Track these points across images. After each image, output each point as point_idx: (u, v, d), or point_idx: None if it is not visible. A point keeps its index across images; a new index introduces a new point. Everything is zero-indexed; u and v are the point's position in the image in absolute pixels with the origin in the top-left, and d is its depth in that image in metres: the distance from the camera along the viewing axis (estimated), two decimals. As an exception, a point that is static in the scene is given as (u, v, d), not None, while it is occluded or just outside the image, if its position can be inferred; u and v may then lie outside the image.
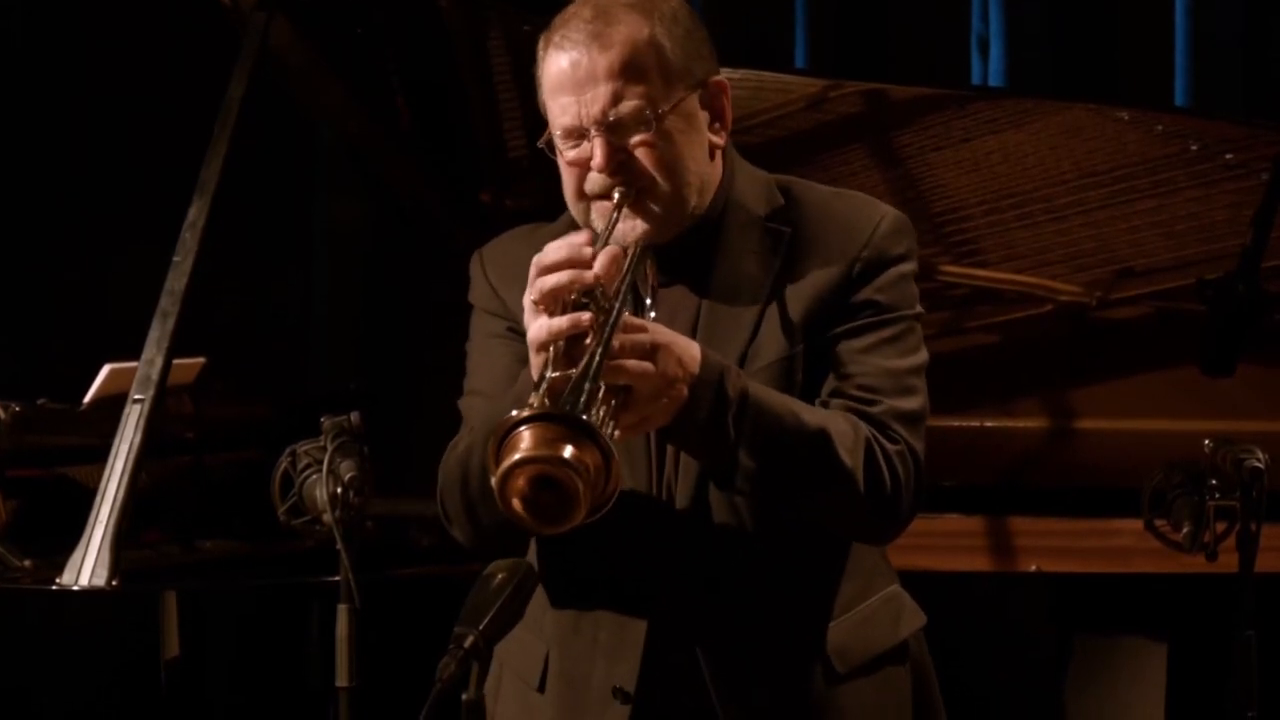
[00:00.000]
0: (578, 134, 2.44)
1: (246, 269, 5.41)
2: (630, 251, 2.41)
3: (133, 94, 5.56)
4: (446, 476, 2.49)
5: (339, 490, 3.03)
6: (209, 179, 3.81)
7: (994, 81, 5.35)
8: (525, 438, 2.16)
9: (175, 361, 3.74)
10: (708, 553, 2.47)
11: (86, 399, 4.07)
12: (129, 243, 5.03)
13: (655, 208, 2.44)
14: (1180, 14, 5.25)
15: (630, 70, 2.41)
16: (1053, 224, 4.17)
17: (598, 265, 2.31)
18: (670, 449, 2.46)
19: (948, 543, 3.87)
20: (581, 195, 2.46)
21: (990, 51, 5.40)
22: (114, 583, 3.48)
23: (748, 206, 2.52)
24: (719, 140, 2.51)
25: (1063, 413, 4.43)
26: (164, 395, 3.70)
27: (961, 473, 4.16)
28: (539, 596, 2.50)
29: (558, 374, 2.25)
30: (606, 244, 2.37)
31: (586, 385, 2.21)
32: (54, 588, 3.51)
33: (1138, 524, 3.19)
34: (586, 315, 2.28)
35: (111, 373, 4.04)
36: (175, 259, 3.76)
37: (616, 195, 2.43)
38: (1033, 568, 3.87)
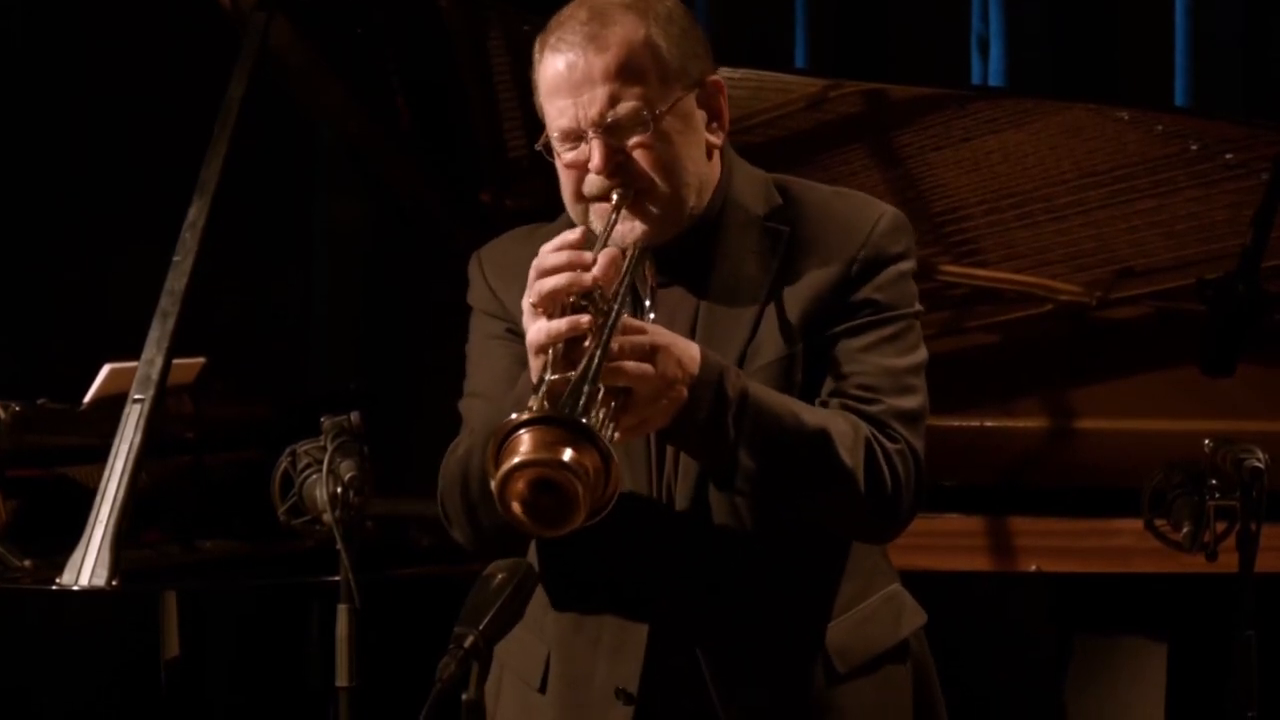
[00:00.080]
0: (575, 136, 2.44)
1: (246, 269, 5.41)
2: (629, 253, 2.41)
3: (133, 94, 5.56)
4: (447, 479, 2.49)
5: (339, 490, 3.03)
6: (209, 179, 3.81)
7: (994, 81, 5.35)
8: (524, 441, 2.16)
9: (175, 361, 3.74)
10: (708, 554, 2.47)
11: (86, 399, 4.06)
12: (129, 243, 5.03)
13: (653, 209, 2.44)
14: (1180, 14, 5.25)
15: (627, 72, 2.41)
16: (1053, 224, 4.17)
17: (596, 267, 2.31)
18: (670, 450, 2.46)
19: (948, 543, 3.87)
20: (580, 197, 2.46)
21: (990, 51, 5.40)
22: (114, 583, 3.48)
23: (746, 206, 2.52)
24: (716, 140, 2.51)
25: (1063, 413, 4.43)
26: (164, 395, 3.70)
27: (961, 473, 4.16)
28: (539, 598, 2.50)
29: (557, 376, 2.24)
30: (605, 246, 2.38)
31: (586, 388, 2.21)
32: (54, 588, 3.51)
33: (1138, 524, 3.19)
34: (585, 317, 2.28)
35: (111, 373, 4.04)
36: (175, 259, 3.76)
37: (615, 197, 2.43)
38: (1033, 568, 3.87)
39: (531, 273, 2.33)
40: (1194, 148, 4.01)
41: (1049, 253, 4.22)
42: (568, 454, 2.15)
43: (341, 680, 3.05)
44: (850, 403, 2.43)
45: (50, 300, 5.66)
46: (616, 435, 2.26)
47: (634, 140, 2.42)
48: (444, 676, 2.12)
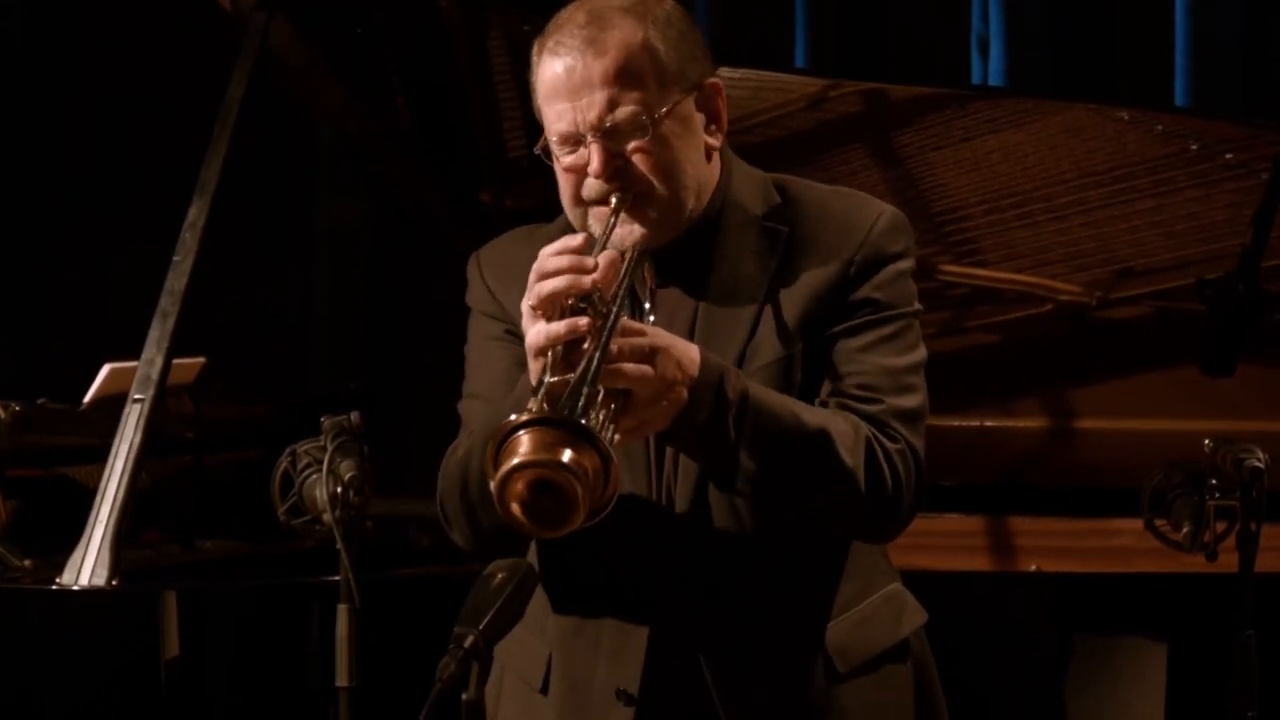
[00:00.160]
0: (574, 140, 2.43)
1: (246, 269, 5.41)
2: (628, 255, 2.41)
3: (133, 94, 5.56)
4: (446, 480, 2.49)
5: (339, 490, 3.03)
6: (209, 179, 3.81)
7: (994, 81, 5.35)
8: (524, 442, 2.16)
9: (175, 361, 3.74)
10: (708, 555, 2.47)
11: (86, 399, 4.06)
12: (129, 243, 5.03)
13: (652, 212, 2.44)
14: (1180, 14, 5.25)
15: (625, 76, 2.41)
16: (1053, 224, 4.17)
17: (595, 270, 2.31)
18: (669, 451, 2.46)
19: (948, 542, 3.87)
20: (578, 201, 2.46)
21: (990, 51, 5.40)
22: (114, 583, 3.48)
23: (745, 206, 2.52)
24: (715, 142, 2.50)
25: (1063, 413, 4.43)
26: (164, 395, 3.70)
27: (961, 473, 4.16)
28: (540, 599, 2.50)
29: (556, 379, 2.24)
30: (604, 249, 2.38)
31: (585, 389, 2.21)
32: (54, 588, 3.51)
33: (1138, 524, 3.19)
34: (584, 320, 2.27)
35: (111, 373, 4.04)
36: (175, 259, 3.76)
37: (614, 200, 2.42)
38: (1033, 567, 3.87)
39: (531, 276, 2.33)
40: (1194, 148, 4.01)
41: (1049, 253, 4.22)
42: (567, 455, 2.15)
43: (341, 680, 3.05)
44: (850, 402, 2.43)
45: (50, 300, 5.66)
46: (616, 437, 2.25)
47: (633, 144, 2.42)
48: (444, 676, 2.12)
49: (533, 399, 2.22)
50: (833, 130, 4.06)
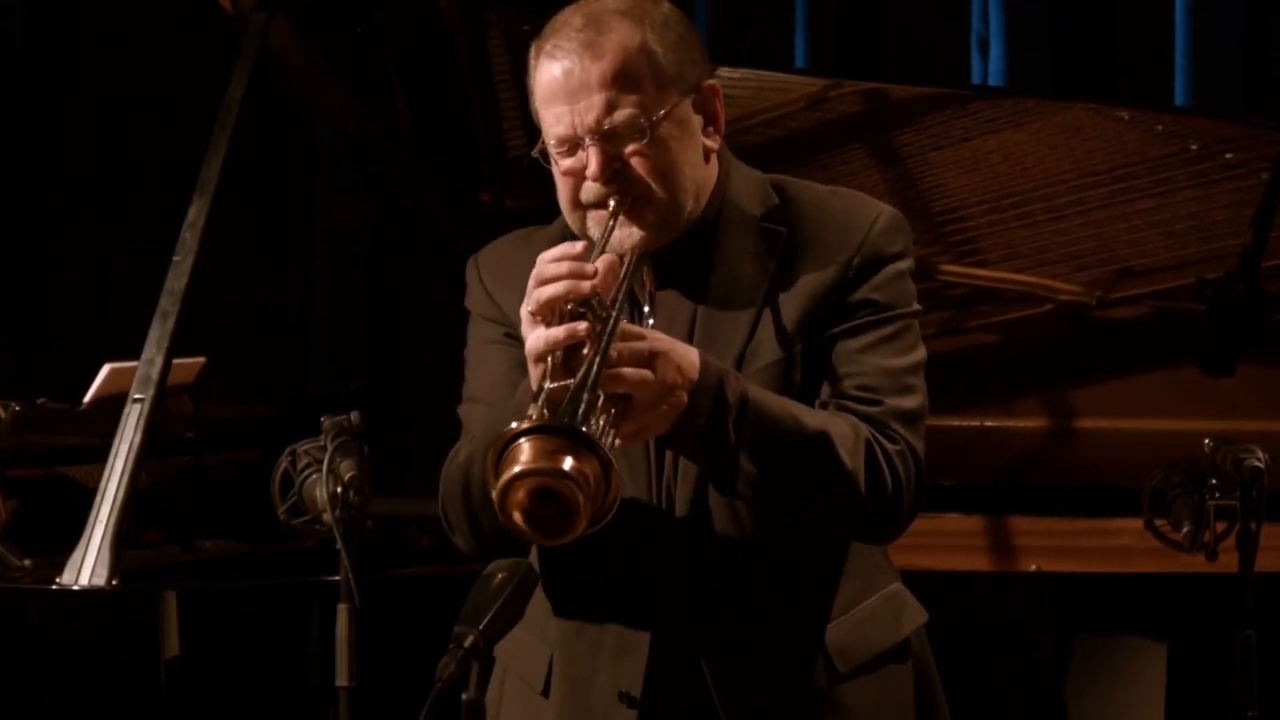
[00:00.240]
0: (572, 143, 2.43)
1: (246, 269, 5.41)
2: (627, 259, 2.41)
3: (133, 94, 5.56)
4: (448, 485, 2.49)
5: (339, 490, 3.03)
6: (209, 179, 3.81)
7: (994, 81, 5.35)
8: (524, 450, 2.16)
9: (175, 361, 3.74)
10: (708, 557, 2.47)
11: (86, 399, 4.06)
12: (129, 243, 5.03)
13: (651, 215, 2.44)
14: (1180, 14, 5.26)
15: (623, 78, 2.41)
16: (1053, 224, 4.17)
17: (594, 275, 2.31)
18: (669, 454, 2.46)
19: (948, 542, 3.87)
20: (577, 204, 2.46)
21: (990, 51, 5.40)
22: (114, 583, 3.48)
23: (743, 207, 2.51)
24: (713, 144, 2.50)
25: (1063, 413, 4.43)
26: (164, 395, 3.70)
27: (961, 473, 4.16)
28: (541, 601, 2.50)
29: (556, 384, 2.24)
30: (603, 252, 2.37)
31: (585, 395, 2.20)
32: (54, 588, 3.51)
33: (1138, 524, 3.19)
34: (583, 325, 2.27)
35: (111, 373, 4.04)
36: (175, 259, 3.76)
37: (612, 204, 2.42)
38: (1033, 567, 3.87)
39: (530, 281, 2.32)
40: (1194, 148, 4.01)
41: (1049, 253, 4.22)
42: (568, 463, 2.14)
43: (341, 680, 3.05)
44: (850, 404, 2.43)
45: (50, 300, 5.66)
46: (617, 442, 2.25)
47: (631, 147, 2.42)
48: (444, 676, 2.12)
49: (533, 405, 2.22)
50: (833, 130, 4.06)
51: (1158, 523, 3.14)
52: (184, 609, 3.48)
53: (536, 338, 2.29)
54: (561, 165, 2.45)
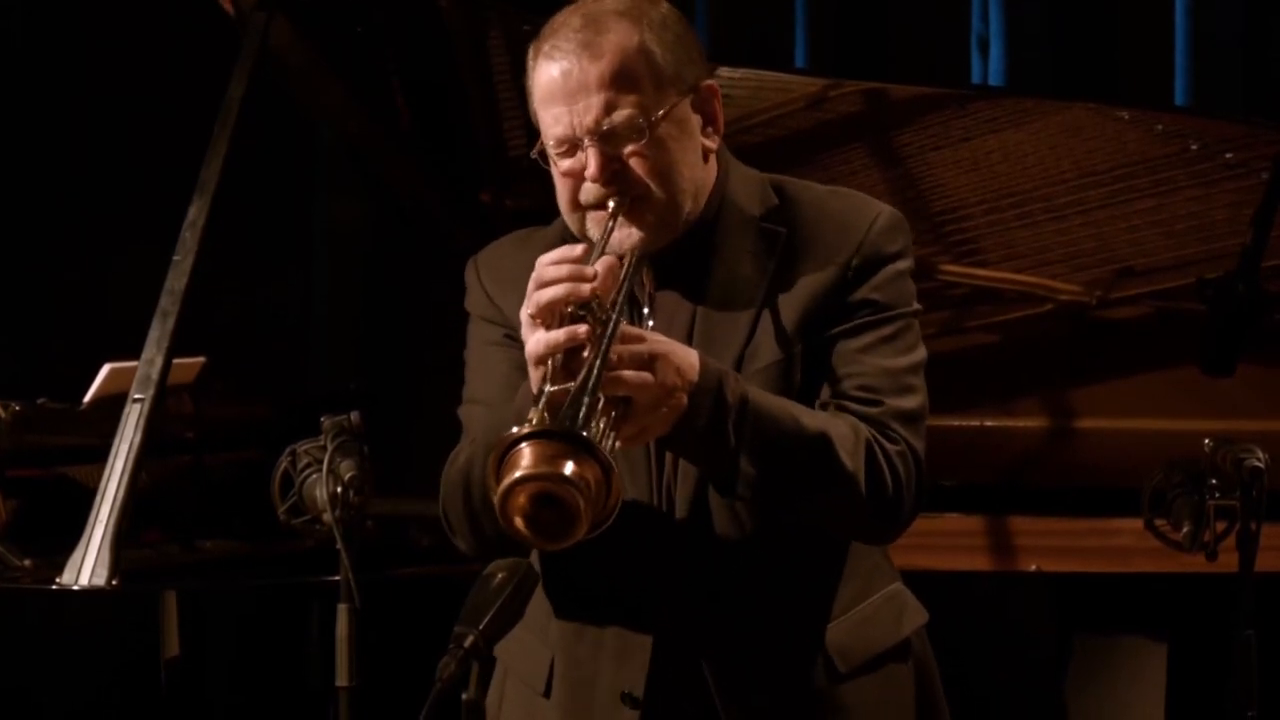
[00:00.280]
0: (571, 144, 2.43)
1: (246, 269, 5.41)
2: (626, 260, 2.40)
3: (133, 94, 5.56)
4: (448, 488, 2.49)
5: (339, 490, 3.03)
6: (209, 179, 3.81)
7: (994, 81, 5.35)
8: (525, 455, 2.16)
9: (175, 361, 3.74)
10: (709, 559, 2.47)
11: (86, 399, 4.06)
12: (129, 243, 5.03)
13: (650, 215, 2.44)
14: (1180, 14, 5.26)
15: (622, 79, 2.41)
16: (1053, 223, 4.17)
17: (594, 278, 2.31)
18: (670, 456, 2.46)
19: (948, 542, 3.87)
20: (576, 205, 2.46)
21: (990, 51, 5.40)
22: (114, 583, 3.48)
23: (742, 208, 2.51)
24: (712, 144, 2.50)
25: (1063, 413, 4.43)
26: (164, 395, 3.70)
27: (961, 473, 4.16)
28: (542, 603, 2.50)
29: (556, 387, 2.24)
30: (603, 253, 2.37)
31: (585, 398, 2.20)
32: (54, 588, 3.51)
33: (1138, 524, 3.19)
34: (583, 328, 2.27)
35: (111, 372, 4.04)
36: (175, 259, 3.76)
37: (611, 205, 2.42)
38: (1033, 567, 3.87)
39: (530, 284, 2.32)
40: (1194, 147, 4.01)
41: (1049, 253, 4.22)
42: (569, 467, 2.14)
43: (341, 680, 3.04)
44: (850, 404, 2.43)
45: (50, 300, 5.66)
46: (617, 445, 2.25)
47: (630, 147, 2.42)
48: (444, 676, 2.12)
49: (533, 409, 2.21)
50: (833, 130, 4.06)
51: (1158, 523, 3.14)
52: (184, 609, 3.48)
53: (536, 341, 2.29)
54: (560, 166, 2.45)
